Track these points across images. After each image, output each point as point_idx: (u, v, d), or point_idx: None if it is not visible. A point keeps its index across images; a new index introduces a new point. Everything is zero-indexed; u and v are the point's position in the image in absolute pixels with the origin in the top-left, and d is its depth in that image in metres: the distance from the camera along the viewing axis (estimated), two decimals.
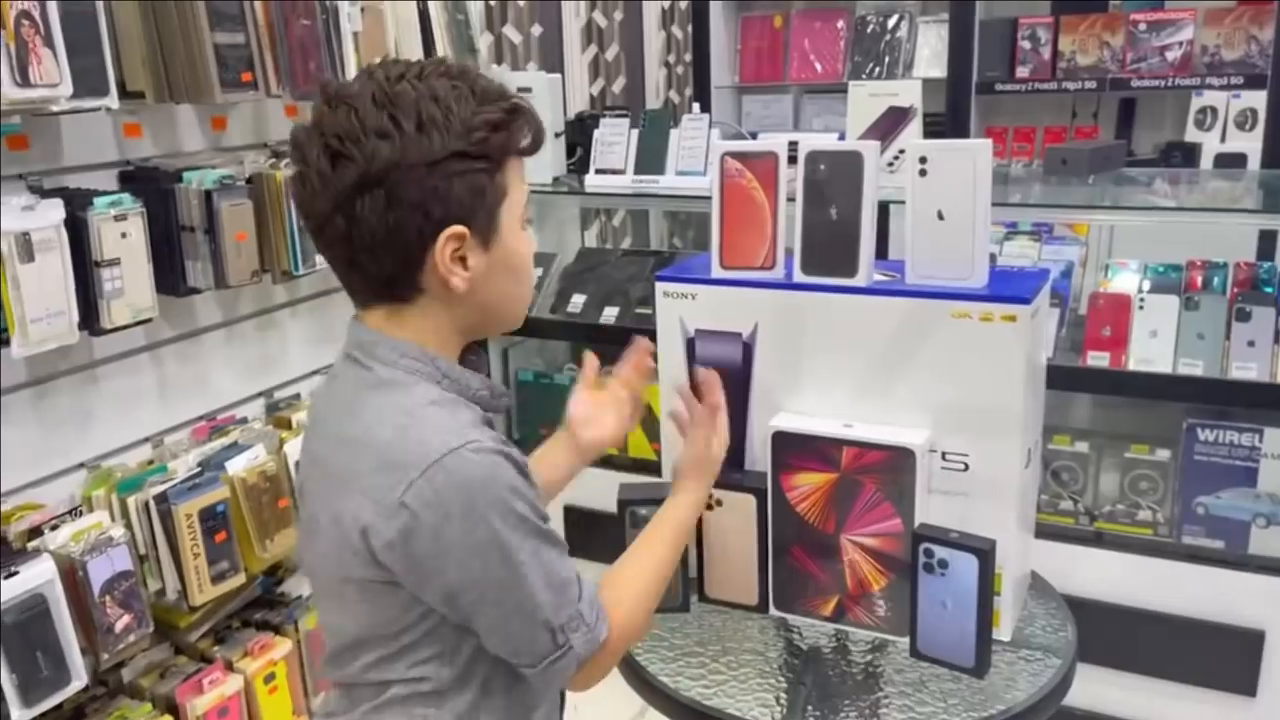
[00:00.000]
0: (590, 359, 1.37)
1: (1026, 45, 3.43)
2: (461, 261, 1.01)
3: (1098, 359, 2.17)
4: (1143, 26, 3.30)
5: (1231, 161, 2.90)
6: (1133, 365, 2.15)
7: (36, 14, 1.49)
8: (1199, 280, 2.22)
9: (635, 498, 1.42)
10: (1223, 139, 3.03)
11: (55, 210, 1.58)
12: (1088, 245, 2.45)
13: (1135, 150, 3.35)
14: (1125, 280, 2.28)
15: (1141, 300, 2.17)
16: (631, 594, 1.13)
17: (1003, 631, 1.37)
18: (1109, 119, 3.56)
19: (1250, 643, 2.02)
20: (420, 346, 1.03)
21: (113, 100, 1.64)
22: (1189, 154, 3.01)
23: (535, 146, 1.05)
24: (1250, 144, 2.98)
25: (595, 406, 1.36)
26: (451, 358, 1.06)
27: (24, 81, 1.48)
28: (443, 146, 0.96)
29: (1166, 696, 2.12)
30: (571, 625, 1.02)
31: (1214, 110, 3.06)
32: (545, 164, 2.70)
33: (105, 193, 1.69)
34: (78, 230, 1.62)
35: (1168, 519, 2.19)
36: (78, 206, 1.63)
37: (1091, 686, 2.00)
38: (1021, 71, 3.45)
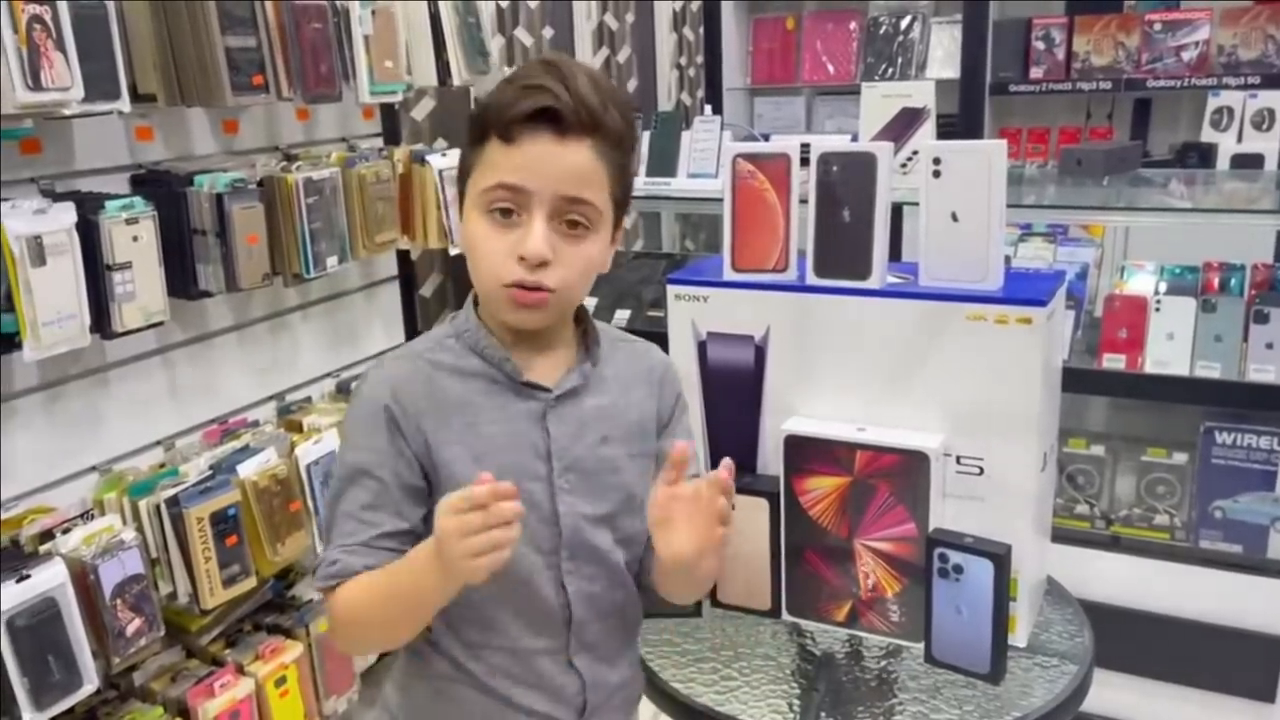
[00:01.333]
0: (680, 450, 1.04)
1: (1040, 46, 3.42)
2: (462, 220, 1.11)
3: (1114, 361, 2.16)
4: (1158, 26, 3.28)
5: (1249, 162, 2.87)
6: (1149, 368, 2.13)
7: (48, 18, 1.49)
8: (1216, 282, 2.20)
9: None
10: (1239, 139, 3.00)
11: (67, 214, 1.58)
12: (1103, 247, 2.44)
13: (1151, 151, 3.33)
14: (1141, 282, 2.26)
15: (1158, 302, 2.15)
16: (362, 592, 1.04)
17: (1018, 637, 1.35)
18: (1124, 120, 3.54)
19: (1269, 648, 2.00)
20: (470, 309, 1.14)
21: (124, 104, 1.65)
22: (1205, 155, 2.98)
23: (505, 133, 1.03)
24: (1268, 144, 2.95)
25: (671, 508, 1.04)
26: (491, 319, 1.12)
27: (36, 85, 1.48)
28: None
29: (1184, 702, 2.10)
30: (326, 554, 1.07)
31: (1230, 110, 3.03)
32: None
33: (117, 196, 1.70)
34: (89, 234, 1.62)
35: (1185, 523, 2.17)
36: (89, 210, 1.63)
37: (1108, 692, 1.98)
38: (1035, 72, 3.43)
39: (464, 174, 1.10)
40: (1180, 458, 2.20)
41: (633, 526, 1.15)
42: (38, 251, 1.52)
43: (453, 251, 2.34)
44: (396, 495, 1.07)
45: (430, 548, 0.97)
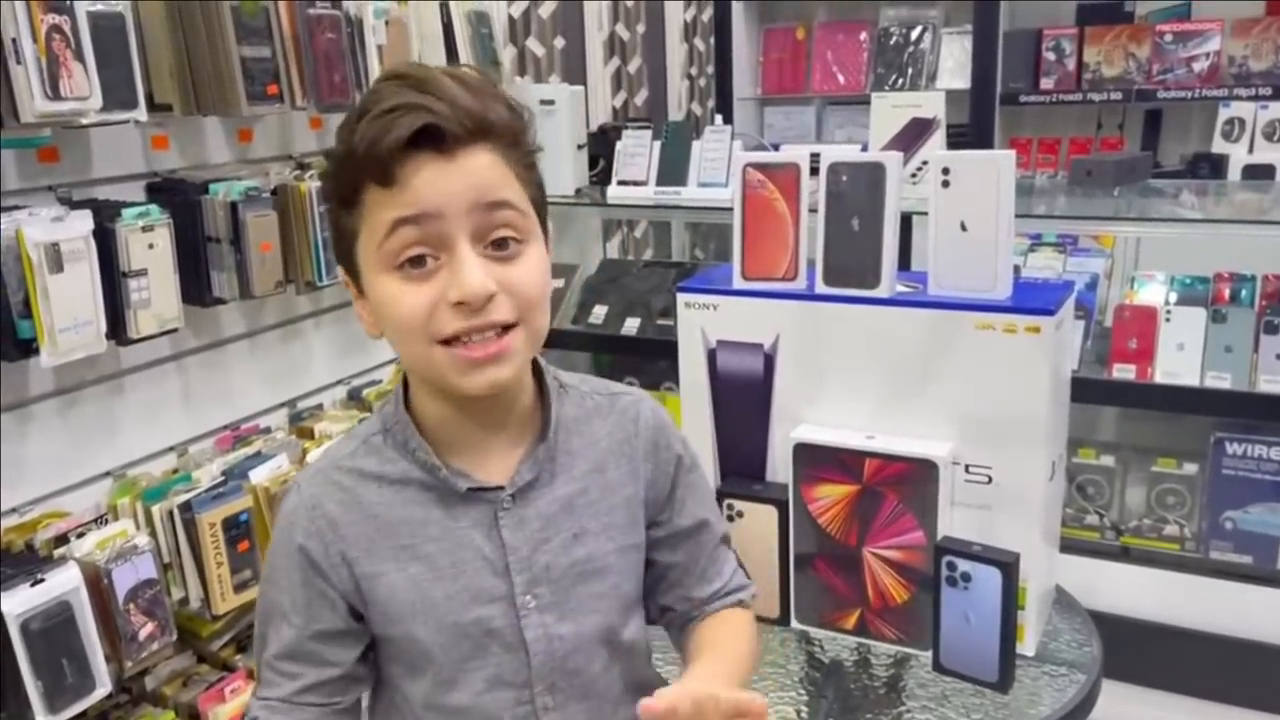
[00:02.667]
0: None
1: (1051, 56, 3.42)
2: (360, 305, 0.92)
3: (1123, 371, 2.15)
4: (1169, 37, 3.28)
5: (1260, 173, 2.88)
6: (1159, 378, 2.13)
7: (67, 28, 1.51)
8: (1226, 293, 2.20)
9: None
10: (1250, 150, 3.00)
11: (84, 221, 1.59)
12: (1113, 257, 2.44)
13: (1161, 162, 3.33)
14: (1151, 292, 2.26)
15: (1168, 313, 2.15)
16: None
17: (1027, 646, 1.35)
18: (1134, 131, 3.54)
19: (1278, 660, 1.99)
20: (399, 397, 0.95)
21: (141, 113, 1.67)
22: (1216, 165, 2.98)
23: (382, 174, 0.82)
24: (1279, 155, 2.95)
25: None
26: (425, 406, 0.94)
27: (54, 95, 1.50)
28: (322, 183, 0.94)
29: (1194, 714, 2.09)
30: (250, 707, 0.93)
31: (1242, 121, 3.04)
32: (568, 176, 2.71)
33: (133, 204, 1.71)
34: (106, 241, 1.63)
35: (1195, 534, 2.17)
36: (106, 217, 1.65)
37: (1117, 704, 1.97)
38: (1046, 83, 3.43)
39: (347, 244, 0.88)
40: (1190, 468, 2.19)
41: (631, 633, 0.98)
42: (55, 258, 1.54)
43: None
44: (315, 646, 0.91)
45: None
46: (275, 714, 0.90)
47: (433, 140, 0.82)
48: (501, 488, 0.92)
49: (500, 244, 0.86)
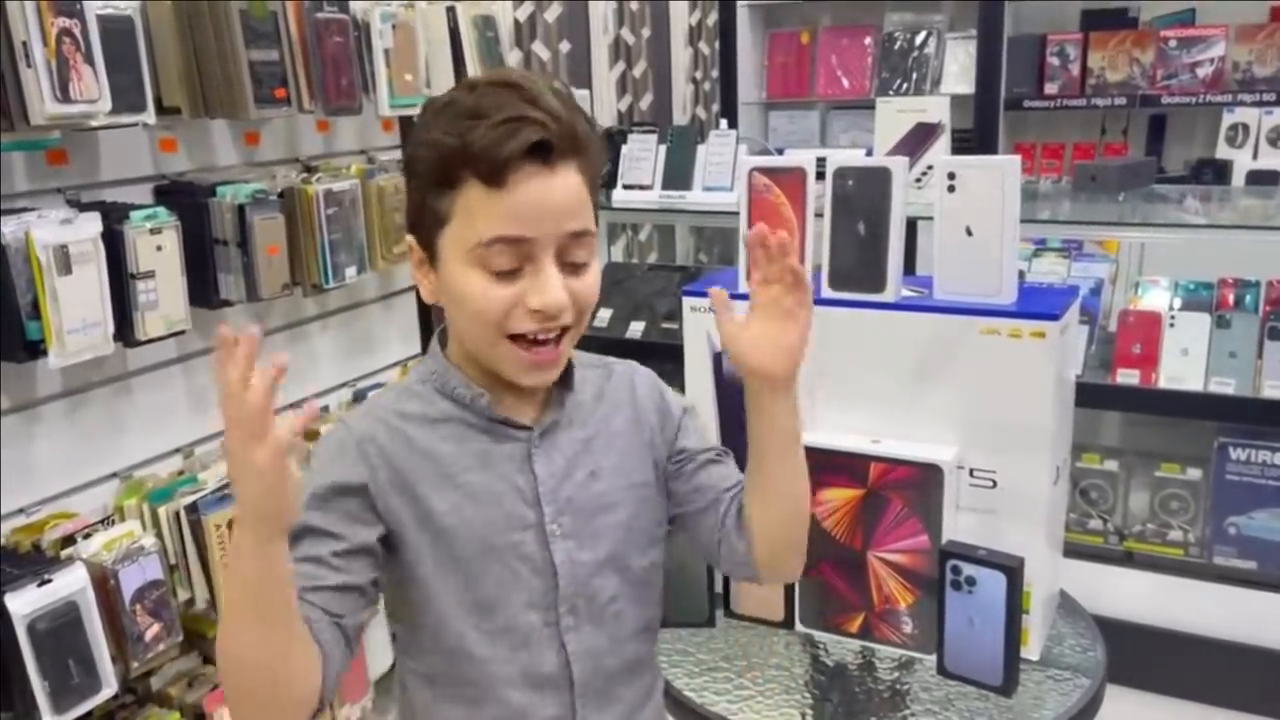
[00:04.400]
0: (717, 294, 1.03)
1: (1055, 61, 3.42)
2: (423, 271, 1.00)
3: (1128, 377, 2.16)
4: (1173, 43, 3.28)
5: (1264, 179, 2.87)
6: (1163, 383, 2.13)
7: (77, 31, 1.52)
8: (1231, 298, 2.20)
9: None
10: (1255, 156, 3.00)
11: (93, 223, 1.60)
12: (1117, 262, 2.44)
13: (1166, 167, 3.33)
14: (1156, 298, 2.26)
15: (1172, 318, 2.15)
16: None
17: (1031, 650, 1.36)
18: (1139, 136, 3.53)
19: None
20: (438, 351, 1.04)
21: (149, 116, 1.68)
22: (1220, 171, 2.98)
23: (494, 178, 0.90)
24: None
25: (748, 327, 1.02)
26: (465, 358, 1.02)
27: (64, 97, 1.51)
28: (409, 155, 1.00)
29: (1197, 719, 2.09)
30: None
31: (1246, 127, 3.03)
32: None
33: (141, 206, 1.72)
34: (114, 243, 1.64)
35: (1199, 539, 2.17)
36: (114, 220, 1.66)
37: (1120, 708, 1.97)
38: (1050, 88, 3.43)
39: (431, 224, 0.96)
40: (1194, 473, 2.19)
41: (641, 564, 1.07)
42: (64, 260, 1.55)
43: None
44: (339, 561, 0.94)
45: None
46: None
47: (540, 151, 0.91)
48: (529, 426, 1.02)
49: (573, 265, 0.96)
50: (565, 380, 1.04)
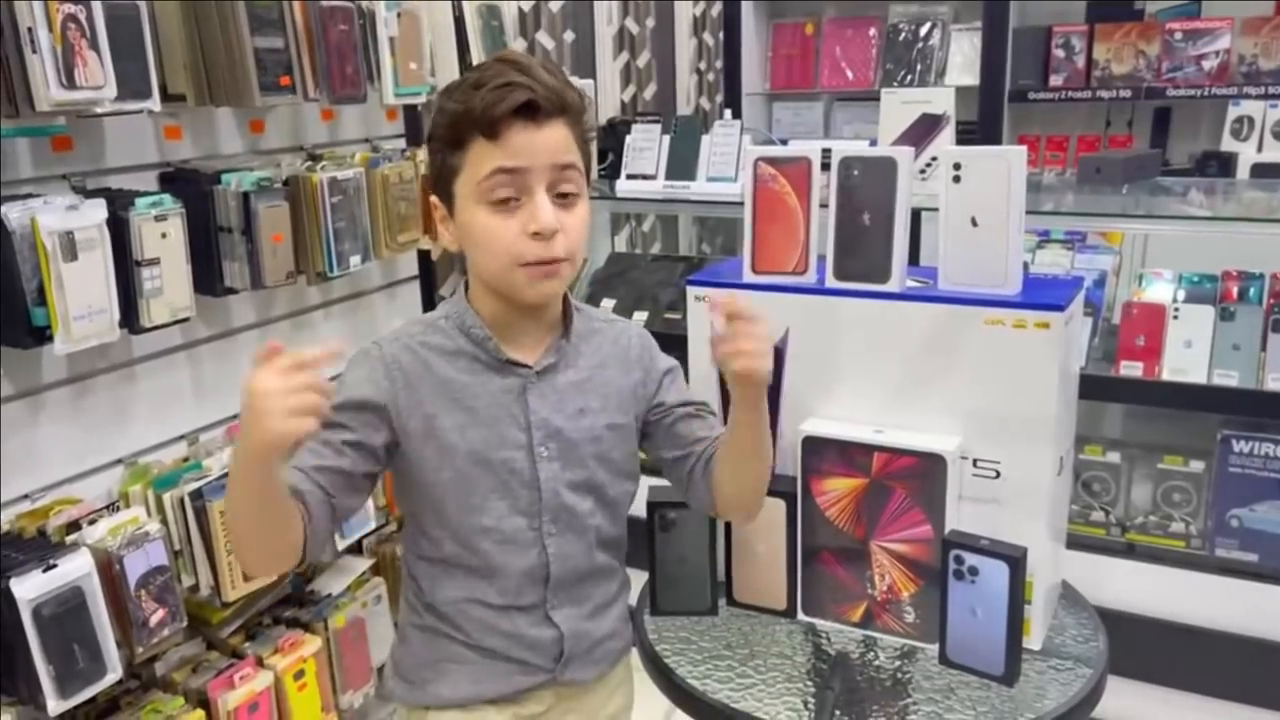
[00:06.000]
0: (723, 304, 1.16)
1: (1060, 53, 3.41)
2: (445, 224, 1.21)
3: (1131, 369, 2.16)
4: (1178, 35, 3.27)
5: (1269, 171, 2.86)
6: (1166, 375, 2.13)
7: (83, 18, 1.52)
8: (1234, 291, 2.20)
9: (664, 500, 1.43)
10: (1259, 149, 2.99)
11: (98, 210, 1.60)
12: (1121, 254, 2.43)
13: (1170, 160, 3.32)
14: (1159, 290, 2.26)
15: (1176, 310, 2.15)
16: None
17: (1033, 640, 1.36)
18: (1144, 128, 3.53)
19: None
20: (462, 294, 1.24)
21: (155, 103, 1.67)
22: (1225, 164, 2.98)
23: (490, 131, 1.11)
24: None
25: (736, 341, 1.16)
26: (482, 302, 1.22)
27: (70, 84, 1.51)
28: (431, 126, 1.19)
29: (1198, 711, 2.10)
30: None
31: (1251, 120, 3.03)
32: None
33: (146, 193, 1.72)
34: (119, 230, 1.64)
35: (1201, 531, 2.17)
36: (119, 207, 1.66)
37: (1122, 699, 1.98)
38: (1055, 80, 3.42)
39: (447, 177, 1.17)
40: (1197, 466, 2.20)
41: (614, 490, 1.27)
42: (69, 247, 1.55)
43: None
44: (348, 450, 1.15)
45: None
46: (294, 473, 1.12)
47: (529, 110, 1.12)
48: (529, 366, 1.22)
49: (563, 196, 1.15)
50: (566, 332, 1.25)
